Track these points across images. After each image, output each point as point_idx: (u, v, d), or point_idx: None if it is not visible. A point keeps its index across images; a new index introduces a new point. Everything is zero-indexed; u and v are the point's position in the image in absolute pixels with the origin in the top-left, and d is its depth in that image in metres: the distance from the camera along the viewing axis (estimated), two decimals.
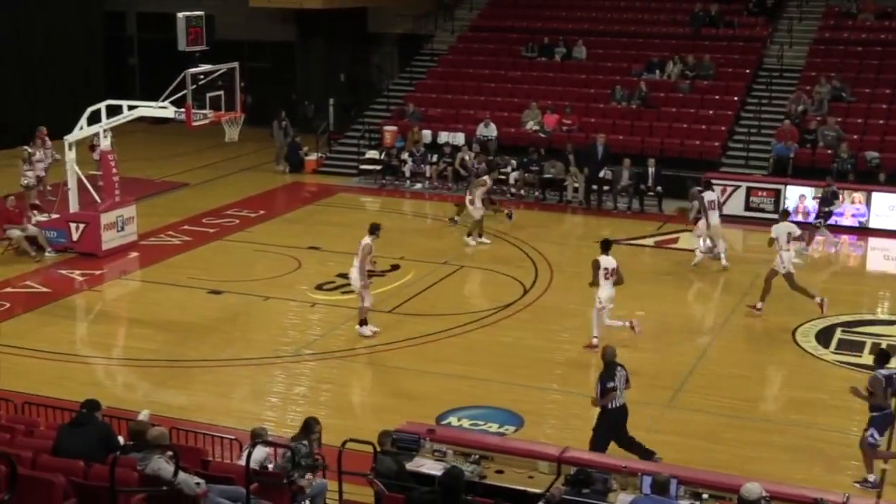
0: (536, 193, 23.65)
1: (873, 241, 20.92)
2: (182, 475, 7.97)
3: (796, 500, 8.85)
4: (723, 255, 18.47)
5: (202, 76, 17.82)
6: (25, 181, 20.96)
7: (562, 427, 12.32)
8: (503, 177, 24.05)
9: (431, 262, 18.83)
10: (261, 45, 31.64)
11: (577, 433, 11.94)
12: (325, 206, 23.01)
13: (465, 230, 20.10)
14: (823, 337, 15.18)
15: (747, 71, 26.26)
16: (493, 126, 25.04)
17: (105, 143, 19.12)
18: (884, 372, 10.95)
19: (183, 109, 17.66)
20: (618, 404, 10.95)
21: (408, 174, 24.66)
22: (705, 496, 8.99)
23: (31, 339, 14.83)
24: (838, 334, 15.31)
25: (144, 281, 18.10)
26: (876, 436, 10.89)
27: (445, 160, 24.57)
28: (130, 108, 18.61)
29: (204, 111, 17.94)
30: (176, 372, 13.90)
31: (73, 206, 18.95)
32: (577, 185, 23.30)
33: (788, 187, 21.77)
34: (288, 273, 17.99)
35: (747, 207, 21.84)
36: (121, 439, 9.11)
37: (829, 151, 22.82)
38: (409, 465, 9.50)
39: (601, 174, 23.05)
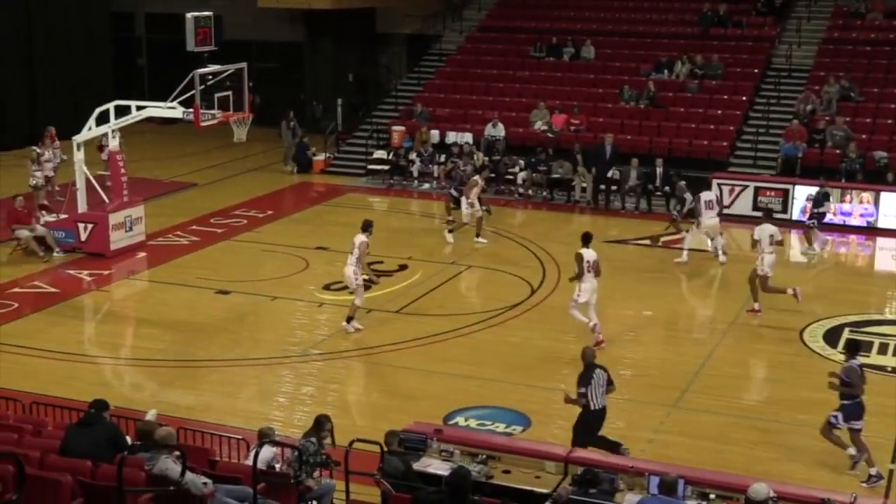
0: (544, 193, 23.63)
1: (882, 241, 20.85)
2: (189, 475, 7.99)
3: (804, 501, 8.84)
4: (720, 251, 18.62)
5: (210, 76, 17.85)
6: (34, 181, 21.04)
7: (569, 427, 12.21)
8: (511, 177, 24.06)
9: (439, 262, 18.84)
10: (269, 45, 31.68)
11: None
12: (333, 206, 23.03)
13: (471, 231, 20.08)
14: (831, 337, 15.14)
15: (756, 71, 26.20)
16: (501, 126, 25.04)
17: (113, 143, 19.18)
18: (856, 362, 11.21)
19: (191, 110, 17.69)
20: (598, 406, 10.97)
21: (416, 174, 24.66)
22: (713, 496, 8.98)
23: (40, 339, 14.88)
24: (846, 334, 15.27)
25: (152, 281, 18.14)
26: (839, 418, 11.05)
27: (453, 160, 24.55)
28: (139, 108, 18.66)
29: (212, 111, 17.97)
30: (184, 372, 13.94)
31: (82, 207, 19.01)
32: (584, 185, 23.28)
33: (797, 187, 21.71)
34: (296, 273, 18.01)
35: (755, 207, 21.75)
36: (128, 439, 9.14)
37: (838, 151, 22.76)
38: (416, 465, 9.50)
39: (609, 174, 23.02)
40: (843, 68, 25.13)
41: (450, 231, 19.96)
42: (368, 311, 16.13)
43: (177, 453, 8.15)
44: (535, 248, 19.66)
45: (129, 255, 19.00)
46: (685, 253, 18.73)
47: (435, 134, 25.58)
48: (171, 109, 18.08)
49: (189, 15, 17.98)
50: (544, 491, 9.12)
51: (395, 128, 25.96)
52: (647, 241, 20.23)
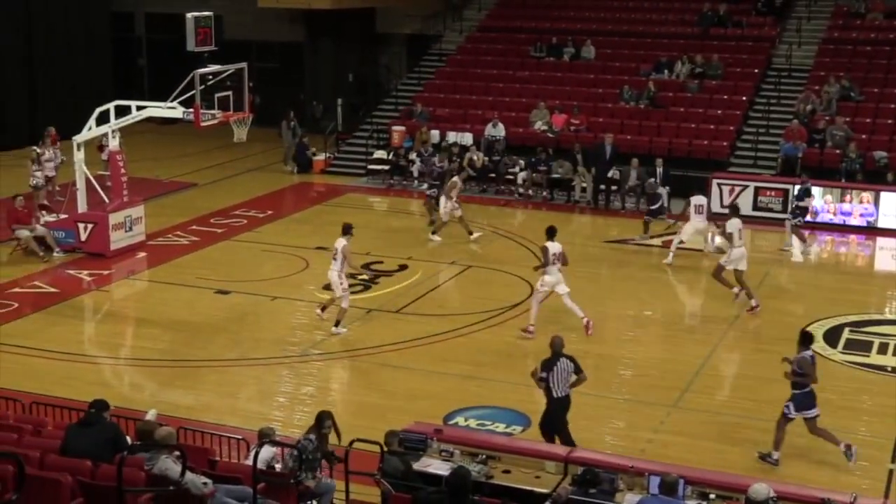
0: (544, 193, 23.64)
1: (882, 241, 20.86)
2: (189, 475, 7.99)
3: (804, 500, 8.83)
4: (711, 245, 19.07)
5: (211, 76, 17.86)
6: (34, 181, 21.04)
7: (569, 427, 12.29)
8: (511, 177, 24.06)
9: (439, 262, 18.85)
10: (269, 45, 31.68)
11: (584, 433, 11.93)
12: (333, 206, 23.02)
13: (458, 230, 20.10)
14: (831, 337, 15.14)
15: (756, 71, 26.20)
16: (501, 126, 25.04)
17: (114, 143, 19.18)
18: (808, 353, 11.36)
19: (191, 110, 17.70)
20: (560, 394, 11.09)
21: (416, 174, 24.66)
22: (713, 496, 8.98)
23: (39, 338, 14.88)
24: (846, 334, 15.27)
25: (152, 281, 18.14)
26: (791, 408, 11.19)
27: (454, 160, 24.54)
28: (139, 108, 18.67)
29: (212, 111, 17.98)
30: (183, 372, 13.94)
31: (82, 207, 19.01)
32: (584, 185, 23.28)
33: (796, 187, 21.68)
34: (296, 273, 18.01)
35: (755, 207, 21.78)
36: (128, 439, 9.14)
37: (838, 151, 22.76)
38: (416, 465, 9.51)
39: (609, 174, 23.02)
40: (843, 68, 25.13)
41: (433, 232, 19.97)
42: (368, 311, 16.15)
43: (177, 453, 8.14)
44: (535, 249, 19.62)
45: (128, 255, 19.00)
46: (671, 255, 18.78)
47: (435, 134, 25.57)
48: (171, 109, 18.09)
49: (189, 15, 17.99)
50: (544, 491, 9.12)
51: (395, 128, 25.97)
52: (648, 242, 20.20)
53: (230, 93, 18.30)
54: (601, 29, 28.32)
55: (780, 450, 11.33)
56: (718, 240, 20.12)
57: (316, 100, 31.48)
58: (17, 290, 17.09)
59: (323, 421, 9.65)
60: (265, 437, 9.50)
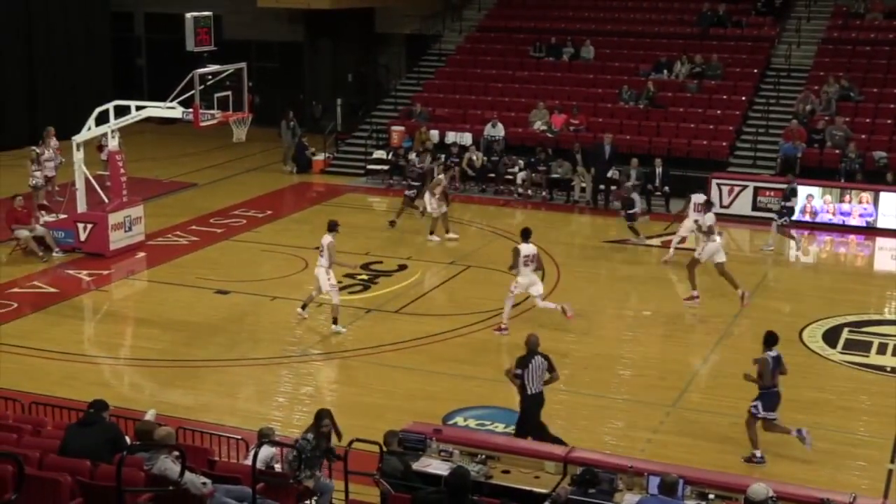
0: (544, 193, 23.63)
1: (881, 241, 20.87)
2: (188, 475, 7.99)
3: (803, 500, 8.84)
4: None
5: (210, 76, 17.86)
6: (33, 181, 21.05)
7: (568, 427, 12.29)
8: (510, 177, 24.06)
9: (438, 262, 18.85)
10: (268, 45, 31.68)
11: (583, 433, 11.97)
12: (333, 206, 23.01)
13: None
14: (830, 337, 15.14)
15: (755, 71, 26.21)
16: (500, 126, 25.04)
17: (113, 143, 19.18)
18: (772, 354, 11.40)
19: (191, 110, 17.70)
20: (534, 391, 11.13)
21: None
22: (712, 496, 8.99)
23: (39, 339, 14.88)
24: (845, 334, 15.28)
25: (152, 281, 18.14)
26: (759, 408, 11.33)
27: (453, 160, 24.56)
28: (138, 108, 18.66)
29: (212, 111, 17.98)
30: (183, 372, 13.94)
31: (81, 207, 19.01)
32: (584, 184, 23.29)
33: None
34: (295, 273, 18.00)
35: (755, 207, 21.79)
36: (128, 439, 9.14)
37: (837, 151, 22.77)
38: (416, 465, 9.51)
39: (609, 174, 23.03)
40: (843, 68, 25.14)
41: (430, 232, 20.01)
42: (367, 311, 16.16)
43: (176, 453, 8.15)
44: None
45: (128, 255, 19.00)
46: (671, 252, 18.87)
47: (434, 134, 25.57)
48: (170, 109, 18.09)
49: (188, 15, 17.99)
50: (543, 491, 9.12)
51: (394, 128, 25.97)
52: (648, 242, 20.21)
53: (229, 93, 18.30)
54: (600, 29, 28.33)
55: (760, 447, 11.38)
56: (718, 239, 20.15)
57: (315, 100, 31.49)
58: (16, 290, 17.09)
59: (321, 419, 9.65)
60: (264, 437, 9.50)
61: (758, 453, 11.38)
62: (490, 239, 20.41)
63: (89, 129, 18.90)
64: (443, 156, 24.14)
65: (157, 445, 8.33)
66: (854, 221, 21.37)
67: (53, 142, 21.90)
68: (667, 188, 22.21)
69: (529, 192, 23.68)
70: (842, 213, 21.48)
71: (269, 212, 22.29)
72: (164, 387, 13.46)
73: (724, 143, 24.14)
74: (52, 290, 17.18)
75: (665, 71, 26.37)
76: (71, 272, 18.02)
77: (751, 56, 26.64)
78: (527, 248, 14.94)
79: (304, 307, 15.57)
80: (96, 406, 9.19)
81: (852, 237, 21.18)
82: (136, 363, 14.41)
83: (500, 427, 12.11)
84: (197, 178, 25.29)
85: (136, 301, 17.37)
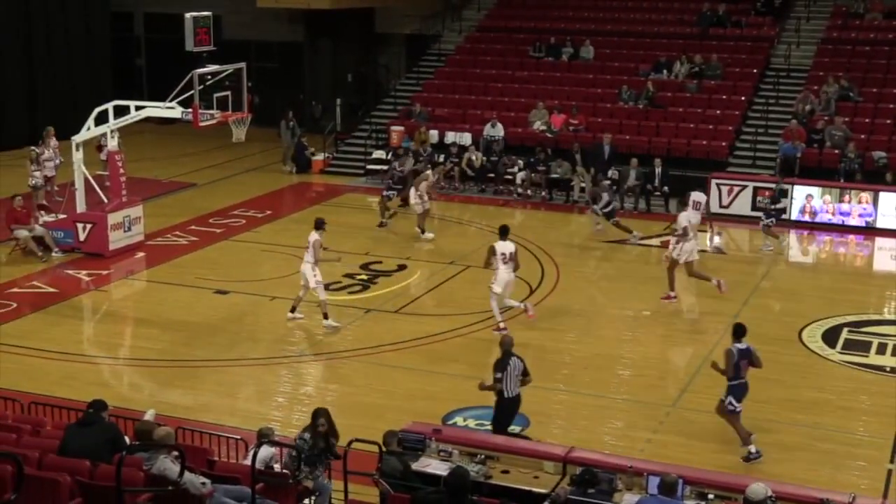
0: (543, 193, 23.64)
1: (880, 241, 20.87)
2: (188, 475, 7.99)
3: (802, 501, 8.83)
4: (711, 245, 19.40)
5: (209, 76, 17.86)
6: (33, 181, 21.06)
7: (568, 427, 12.33)
8: (510, 177, 24.06)
9: (437, 262, 18.84)
10: (268, 45, 31.68)
11: (583, 433, 11.98)
12: (332, 206, 23.01)
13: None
14: (830, 337, 15.14)
15: (755, 71, 26.21)
16: (499, 126, 25.04)
17: (112, 143, 19.17)
18: (739, 346, 11.41)
19: (190, 110, 17.69)
20: (512, 394, 11.16)
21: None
22: (711, 496, 8.98)
23: (38, 339, 14.88)
24: (844, 334, 15.28)
25: (151, 281, 18.14)
26: (734, 402, 11.36)
27: (452, 160, 24.58)
28: (138, 108, 18.66)
29: (211, 111, 17.98)
30: (182, 372, 13.93)
31: (80, 207, 19.00)
32: (583, 184, 23.29)
33: (795, 187, 21.72)
34: (294, 273, 17.88)
35: (754, 207, 21.77)
36: (127, 439, 9.14)
37: (837, 151, 22.77)
38: (415, 465, 9.50)
39: (608, 174, 23.01)
40: (842, 68, 25.14)
41: (421, 231, 20.00)
42: (367, 311, 16.16)
43: (175, 453, 8.15)
44: (534, 248, 19.65)
45: (127, 255, 19.00)
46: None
47: (434, 134, 25.57)
48: (169, 109, 18.08)
49: (188, 15, 17.98)
50: (543, 491, 9.12)
51: (393, 128, 25.97)
52: (647, 242, 20.22)
53: (229, 93, 18.29)
54: (600, 29, 28.34)
55: (753, 441, 11.42)
56: (717, 239, 20.21)
57: (315, 100, 31.49)
58: (15, 290, 17.09)
59: (316, 418, 9.64)
60: (264, 437, 9.50)
61: (753, 448, 11.38)
62: (489, 239, 20.32)
63: (88, 129, 18.89)
64: (428, 153, 24.17)
65: (157, 445, 8.33)
66: (853, 221, 21.37)
67: (53, 142, 21.91)
68: (666, 188, 22.22)
69: (529, 192, 23.68)
70: (841, 213, 21.48)
71: (268, 212, 22.29)
72: (163, 387, 13.46)
73: (724, 143, 24.14)
74: (51, 290, 17.18)
75: (664, 71, 26.37)
76: (70, 272, 18.02)
77: (750, 56, 26.64)
78: (503, 246, 14.95)
79: (293, 310, 15.59)
80: (95, 406, 9.19)
81: (852, 237, 21.19)
82: (136, 363, 14.41)
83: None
84: (196, 178, 25.29)
85: (136, 301, 17.37)
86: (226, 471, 8.99)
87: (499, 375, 11.09)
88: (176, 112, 18.04)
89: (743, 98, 25.40)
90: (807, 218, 21.54)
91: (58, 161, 21.55)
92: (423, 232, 20.02)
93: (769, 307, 16.73)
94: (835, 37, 26.64)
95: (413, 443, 9.85)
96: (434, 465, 9.56)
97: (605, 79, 26.65)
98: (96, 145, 21.30)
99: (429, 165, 22.80)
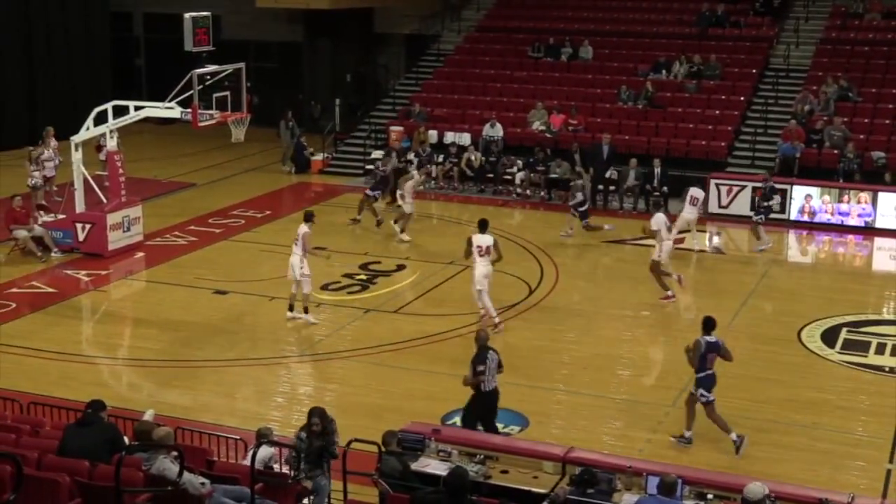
0: (542, 193, 23.63)
1: (879, 241, 20.87)
2: (187, 475, 7.99)
3: (801, 500, 8.83)
4: (695, 242, 19.42)
5: (208, 76, 17.85)
6: (32, 181, 21.04)
7: (567, 427, 12.33)
8: (509, 177, 24.06)
9: (437, 262, 18.83)
10: (267, 45, 31.68)
11: (582, 433, 11.98)
12: (331, 206, 23.00)
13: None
14: (829, 337, 15.15)
15: (754, 71, 26.22)
16: (498, 126, 25.04)
17: (111, 143, 19.17)
18: (709, 339, 11.55)
19: (189, 110, 17.68)
20: (489, 388, 11.19)
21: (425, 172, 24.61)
22: (710, 496, 8.99)
23: (37, 339, 14.87)
24: (844, 334, 15.28)
25: (150, 281, 18.13)
26: (705, 393, 11.48)
27: (451, 160, 24.59)
28: (137, 108, 18.65)
29: (210, 111, 17.97)
30: (181, 372, 13.93)
31: (80, 207, 18.99)
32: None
33: (794, 187, 21.73)
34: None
35: (753, 207, 21.76)
36: (126, 439, 9.13)
37: (836, 151, 22.78)
38: (414, 465, 9.50)
39: (607, 174, 23.03)
40: (841, 68, 25.15)
41: (400, 230, 20.00)
42: (366, 311, 16.17)
43: (174, 453, 8.14)
44: (533, 249, 19.67)
45: (126, 256, 18.99)
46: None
47: (433, 134, 25.58)
48: (169, 109, 18.07)
49: (187, 15, 17.97)
50: (542, 491, 9.12)
51: (393, 128, 25.97)
52: (646, 242, 20.21)
53: (228, 93, 18.29)
54: (599, 29, 28.34)
55: (731, 428, 11.59)
56: (717, 239, 20.22)
57: (314, 100, 31.48)
58: (15, 290, 17.08)
59: (310, 417, 9.63)
60: (263, 437, 9.50)
61: (734, 436, 11.51)
62: None
63: (88, 129, 18.89)
64: (427, 153, 24.19)
65: (156, 445, 8.33)
66: (852, 221, 21.38)
67: (53, 142, 21.90)
68: (665, 188, 22.21)
69: (528, 192, 23.68)
70: (840, 214, 21.49)
71: (267, 212, 22.28)
72: (162, 387, 13.45)
73: (723, 144, 24.14)
74: (50, 290, 17.17)
75: (663, 71, 26.38)
76: (69, 272, 18.02)
77: (749, 56, 26.65)
78: (480, 239, 15.08)
79: (291, 308, 15.59)
80: (94, 406, 9.18)
81: (851, 237, 21.19)
82: (135, 363, 14.40)
83: (498, 427, 12.08)
84: (195, 179, 25.29)
85: (135, 301, 17.36)
86: (225, 471, 8.99)
87: (481, 368, 11.13)
88: (175, 112, 18.03)
89: (742, 98, 25.41)
90: (806, 218, 21.55)
91: (57, 161, 21.54)
92: (401, 231, 19.99)
93: (768, 307, 16.74)
94: (834, 37, 26.66)
95: (412, 443, 9.85)
96: (433, 465, 9.56)
97: (604, 79, 26.66)
98: (95, 145, 21.29)
99: (410, 166, 22.81)
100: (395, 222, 20.09)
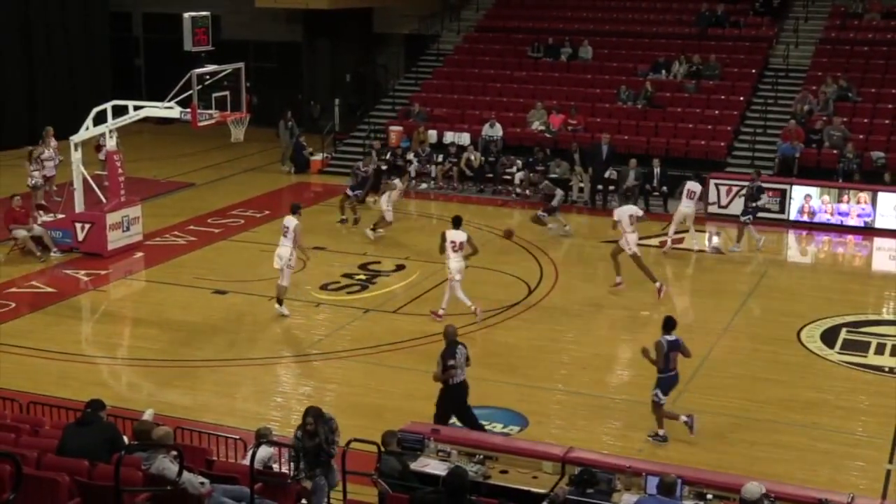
0: (541, 193, 23.59)
1: (879, 241, 20.87)
2: (186, 475, 7.99)
3: (801, 501, 8.84)
4: (694, 242, 19.44)
5: (208, 76, 17.84)
6: (32, 181, 21.04)
7: (566, 427, 12.33)
8: (508, 177, 24.06)
9: (436, 262, 18.75)
10: (267, 45, 31.68)
11: (581, 433, 11.98)
12: (331, 206, 22.95)
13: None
14: (828, 337, 15.15)
15: (753, 71, 26.22)
16: (498, 126, 25.04)
17: (111, 143, 19.16)
18: (669, 338, 11.72)
19: (188, 110, 17.68)
20: (458, 381, 11.31)
21: (413, 174, 24.67)
22: (710, 496, 8.99)
23: (37, 338, 14.87)
24: (843, 334, 15.28)
25: (149, 281, 18.13)
26: (660, 395, 11.67)
27: (451, 160, 24.59)
28: (136, 108, 18.64)
29: (209, 111, 17.97)
30: (181, 372, 13.92)
31: (79, 207, 18.99)
32: (582, 184, 23.30)
33: (794, 187, 21.73)
34: (293, 273, 17.94)
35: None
36: (125, 439, 9.13)
37: (835, 151, 22.78)
38: (414, 465, 9.51)
39: (606, 174, 23.03)
40: (841, 68, 25.15)
41: (373, 228, 20.04)
42: (366, 311, 16.16)
43: (174, 453, 8.14)
44: (533, 249, 19.67)
45: (126, 255, 18.99)
46: (668, 242, 19.42)
47: (433, 134, 25.58)
48: (168, 109, 18.06)
49: (186, 15, 17.96)
50: (541, 491, 9.13)
51: (392, 128, 25.97)
52: (646, 242, 20.21)
53: (227, 93, 18.28)
54: (598, 29, 28.35)
55: (678, 413, 11.84)
56: (716, 239, 20.22)
57: (313, 100, 31.49)
58: (14, 289, 17.08)
59: (305, 417, 9.61)
60: (262, 437, 9.50)
61: (683, 417, 11.80)
62: (488, 239, 20.37)
63: (87, 128, 18.88)
64: (426, 153, 24.19)
65: (156, 445, 8.33)
66: (852, 221, 21.38)
67: (53, 141, 21.90)
68: (665, 188, 22.22)
69: (527, 192, 23.66)
70: (840, 214, 21.49)
71: (266, 212, 22.27)
72: (161, 386, 13.45)
73: (723, 144, 24.14)
74: (49, 289, 17.17)
75: (663, 71, 26.38)
76: (69, 272, 18.01)
77: (749, 56, 26.65)
78: (453, 234, 15.35)
79: (279, 303, 15.69)
80: (94, 406, 9.18)
81: (850, 237, 21.19)
82: (134, 363, 14.40)
83: (498, 427, 12.11)
84: (195, 178, 25.29)
85: (134, 301, 17.36)
86: (224, 470, 8.99)
87: (452, 362, 11.24)
88: (174, 112, 18.02)
89: (741, 98, 25.41)
90: (805, 218, 21.55)
91: (57, 161, 21.54)
92: (374, 228, 19.95)
93: (768, 307, 16.73)
94: (833, 37, 26.66)
95: (412, 443, 9.86)
96: (433, 465, 9.57)
97: (604, 79, 26.66)
98: (95, 145, 21.29)
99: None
100: (374, 228, 20.05)
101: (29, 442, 9.06)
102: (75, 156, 18.75)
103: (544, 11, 29.45)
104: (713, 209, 21.81)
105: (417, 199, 24.02)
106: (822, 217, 21.53)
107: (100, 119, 18.80)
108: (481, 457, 9.73)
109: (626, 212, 16.93)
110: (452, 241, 15.31)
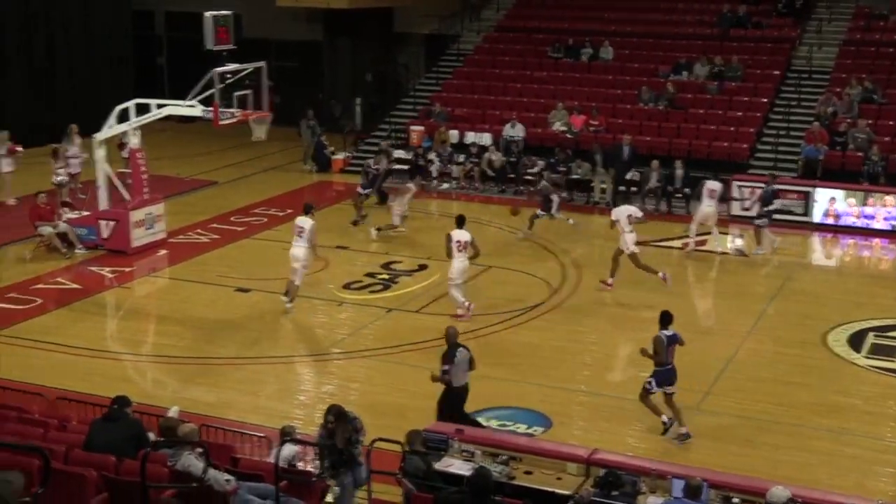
0: (563, 194, 23.51)
1: None
2: (212, 471, 8.01)
3: None
4: (717, 244, 19.33)
5: (229, 75, 17.90)
6: (58, 178, 21.17)
7: (590, 428, 12.28)
8: (530, 177, 24.00)
9: None
10: (288, 44, 31.73)
11: (605, 435, 11.93)
12: (353, 205, 22.98)
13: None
14: (855, 341, 15.01)
15: (776, 72, 26.05)
16: (519, 126, 24.99)
17: (134, 141, 19.24)
18: (667, 333, 11.80)
19: (210, 108, 17.74)
20: (459, 384, 11.32)
21: (435, 174, 24.66)
22: (736, 500, 8.93)
23: (63, 334, 14.95)
24: (870, 338, 15.14)
25: (173, 278, 18.20)
26: (653, 383, 11.77)
27: (472, 160, 24.56)
28: (159, 106, 18.72)
29: (231, 110, 18.02)
30: (205, 369, 13.97)
31: (103, 204, 19.09)
32: (604, 185, 23.22)
33: (818, 190, 21.57)
34: (315, 272, 17.92)
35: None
36: (151, 435, 9.17)
37: (860, 154, 22.60)
38: (438, 465, 9.50)
39: (628, 175, 22.94)
40: (865, 70, 24.95)
41: (378, 229, 20.02)
42: (388, 310, 16.16)
43: (199, 450, 8.17)
44: (556, 249, 19.62)
45: (150, 253, 19.08)
46: (691, 241, 19.38)
47: (454, 134, 25.56)
48: (190, 108, 18.13)
49: (208, 14, 18.03)
50: (566, 492, 9.10)
51: (413, 127, 25.97)
52: (667, 244, 20.15)
53: (249, 91, 18.34)
54: (619, 30, 28.24)
55: (665, 412, 11.85)
56: (739, 242, 20.09)
57: (334, 99, 31.51)
58: (40, 286, 17.19)
59: (326, 415, 9.60)
60: (286, 435, 9.50)
61: (665, 418, 11.82)
62: (509, 240, 20.35)
63: (110, 126, 18.98)
64: (448, 153, 24.13)
65: (181, 442, 8.35)
66: (878, 225, 21.18)
67: (77, 139, 22.04)
68: (687, 190, 22.10)
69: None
70: (865, 217, 21.30)
71: (289, 210, 22.23)
72: (186, 383, 13.49)
73: (745, 146, 24.00)
74: (75, 286, 17.26)
75: (685, 72, 26.25)
76: (94, 269, 18.11)
77: (771, 57, 26.48)
78: (458, 234, 15.38)
79: (287, 294, 15.75)
80: (120, 402, 9.24)
81: (876, 240, 20.99)
82: (159, 360, 14.45)
83: (521, 428, 12.09)
84: (217, 177, 25.37)
85: (158, 298, 17.43)
86: (249, 468, 9.01)
87: (446, 367, 11.27)
88: (196, 110, 18.09)
89: (764, 100, 25.25)
90: (830, 221, 21.38)
91: (82, 158, 21.67)
92: (378, 229, 19.95)
93: (793, 310, 16.60)
94: (857, 38, 26.45)
95: (436, 443, 9.84)
96: (457, 465, 9.56)
97: (625, 80, 26.55)
98: (118, 143, 21.39)
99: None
100: (378, 228, 20.04)
101: (57, 437, 9.12)
102: (99, 153, 18.84)
103: (565, 11, 29.37)
104: (736, 211, 21.58)
105: (439, 198, 24.00)
106: (847, 220, 21.34)
107: (123, 117, 18.88)
108: (505, 457, 9.71)
109: (624, 212, 16.88)
110: (458, 241, 15.32)
